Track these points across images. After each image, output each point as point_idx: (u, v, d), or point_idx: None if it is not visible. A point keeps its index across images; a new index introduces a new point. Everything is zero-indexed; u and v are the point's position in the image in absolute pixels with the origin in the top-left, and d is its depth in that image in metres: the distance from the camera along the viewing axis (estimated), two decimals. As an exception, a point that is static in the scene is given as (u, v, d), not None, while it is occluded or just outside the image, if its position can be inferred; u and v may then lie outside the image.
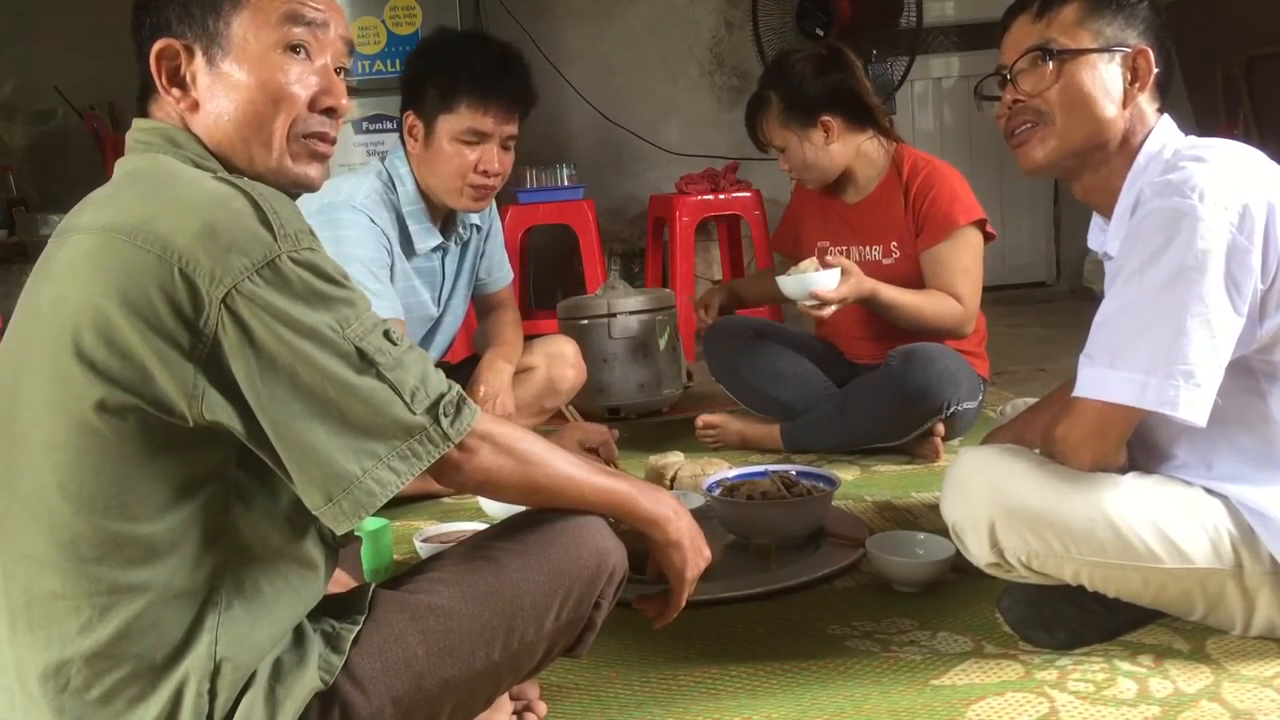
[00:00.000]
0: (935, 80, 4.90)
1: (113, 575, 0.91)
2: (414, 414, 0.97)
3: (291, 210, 0.96)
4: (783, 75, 2.48)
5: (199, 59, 1.04)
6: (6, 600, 0.94)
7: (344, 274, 0.97)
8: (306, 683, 0.98)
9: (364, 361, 0.95)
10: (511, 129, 2.20)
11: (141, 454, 0.91)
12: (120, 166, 1.05)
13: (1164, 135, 1.41)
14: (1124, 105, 1.40)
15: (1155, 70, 1.40)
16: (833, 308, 2.27)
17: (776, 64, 2.56)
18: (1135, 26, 1.40)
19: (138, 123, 1.06)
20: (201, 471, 0.94)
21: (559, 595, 1.11)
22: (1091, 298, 3.95)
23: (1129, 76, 1.40)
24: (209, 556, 0.95)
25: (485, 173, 2.19)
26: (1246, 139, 2.34)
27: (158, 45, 1.03)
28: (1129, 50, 1.40)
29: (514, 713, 1.31)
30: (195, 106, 1.04)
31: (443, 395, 1.00)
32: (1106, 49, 1.39)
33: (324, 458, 0.93)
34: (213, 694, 0.93)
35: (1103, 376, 1.31)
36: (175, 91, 1.04)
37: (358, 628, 1.02)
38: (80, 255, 0.93)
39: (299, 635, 1.01)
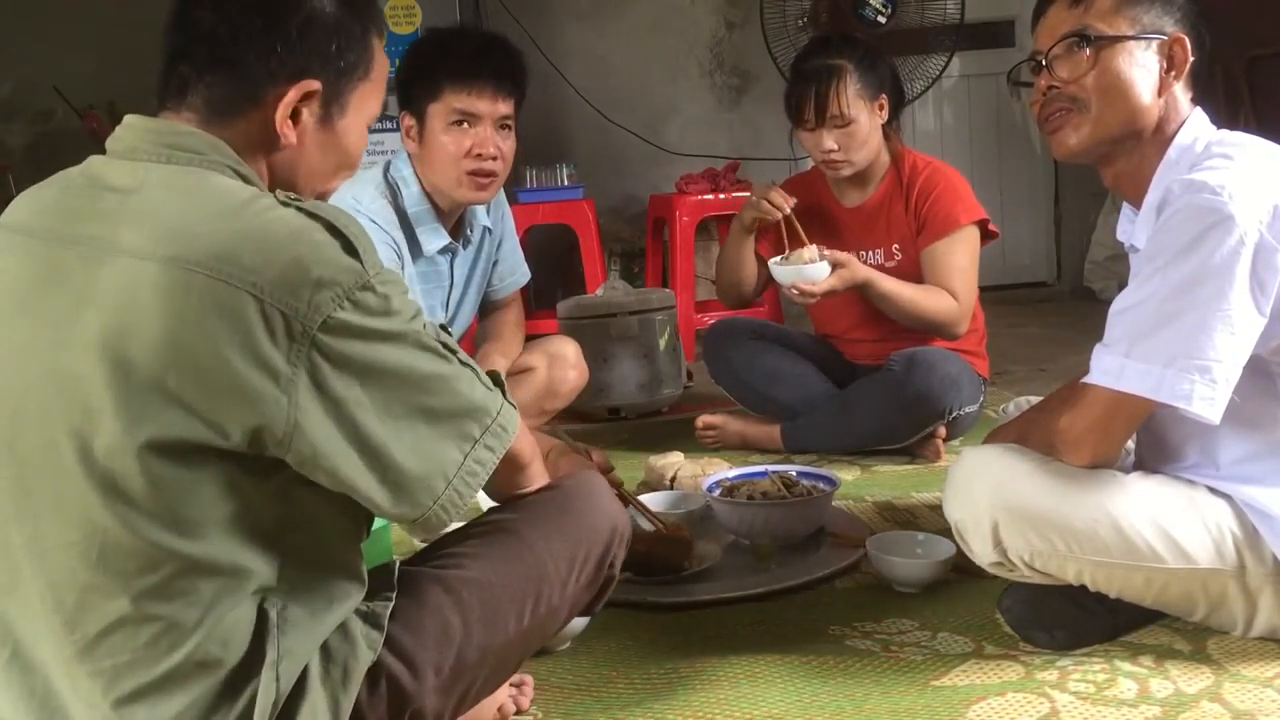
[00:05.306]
0: (935, 80, 4.89)
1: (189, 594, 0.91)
2: (491, 390, 1.04)
3: (363, 231, 0.97)
4: (853, 46, 2.45)
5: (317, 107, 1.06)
6: (68, 634, 0.91)
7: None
8: (360, 658, 1.00)
9: (448, 350, 1.00)
10: (504, 109, 2.16)
11: (220, 486, 0.91)
12: (142, 173, 0.97)
13: (1196, 128, 1.41)
14: (1159, 93, 1.40)
15: (1191, 59, 1.39)
16: (817, 297, 2.28)
17: (842, 38, 2.52)
18: (1172, 14, 1.40)
19: (165, 125, 1.00)
20: (276, 506, 0.95)
21: (578, 559, 1.16)
22: (1092, 298, 3.95)
23: (1165, 64, 1.39)
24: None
25: (480, 155, 2.14)
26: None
27: (306, 84, 1.03)
28: (1165, 38, 1.39)
29: (512, 684, 1.35)
30: (287, 144, 1.04)
31: (493, 373, 1.07)
32: (1143, 36, 1.39)
33: (430, 450, 0.97)
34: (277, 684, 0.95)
35: (1119, 365, 1.30)
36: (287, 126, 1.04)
37: (391, 604, 1.04)
38: (147, 286, 0.89)
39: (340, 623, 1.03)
